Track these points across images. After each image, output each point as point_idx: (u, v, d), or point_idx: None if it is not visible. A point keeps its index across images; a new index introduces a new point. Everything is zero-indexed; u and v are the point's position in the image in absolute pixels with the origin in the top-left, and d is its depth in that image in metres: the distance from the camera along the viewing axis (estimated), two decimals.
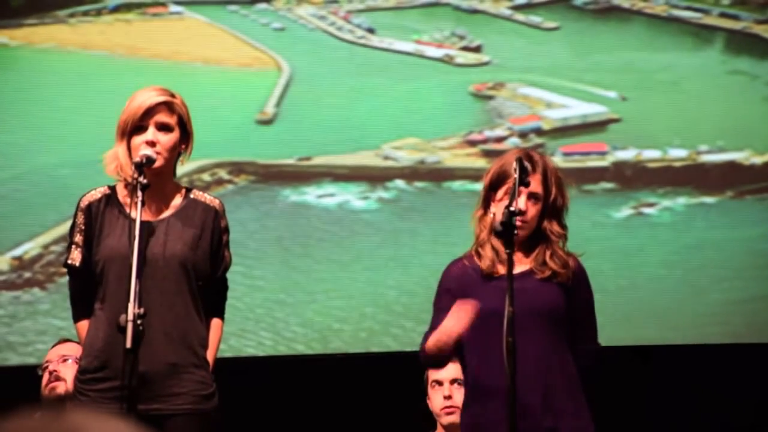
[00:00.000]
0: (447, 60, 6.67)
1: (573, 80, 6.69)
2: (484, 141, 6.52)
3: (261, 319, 6.39)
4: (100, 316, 3.87)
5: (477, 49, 6.68)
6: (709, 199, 6.58)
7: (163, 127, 3.87)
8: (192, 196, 3.96)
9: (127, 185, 3.92)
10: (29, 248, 6.29)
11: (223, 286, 4.10)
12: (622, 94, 6.69)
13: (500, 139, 6.52)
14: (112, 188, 3.94)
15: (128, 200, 3.83)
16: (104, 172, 3.90)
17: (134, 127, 3.83)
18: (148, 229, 3.84)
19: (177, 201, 3.93)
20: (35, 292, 6.34)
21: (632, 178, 6.64)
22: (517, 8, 6.67)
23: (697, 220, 6.63)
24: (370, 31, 6.67)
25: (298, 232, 6.51)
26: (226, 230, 4.07)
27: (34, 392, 5.45)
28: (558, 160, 6.31)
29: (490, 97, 6.67)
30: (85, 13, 6.60)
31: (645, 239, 6.58)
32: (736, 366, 6.08)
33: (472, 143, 6.52)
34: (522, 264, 4.34)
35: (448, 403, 4.86)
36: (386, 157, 6.53)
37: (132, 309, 3.62)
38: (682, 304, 6.48)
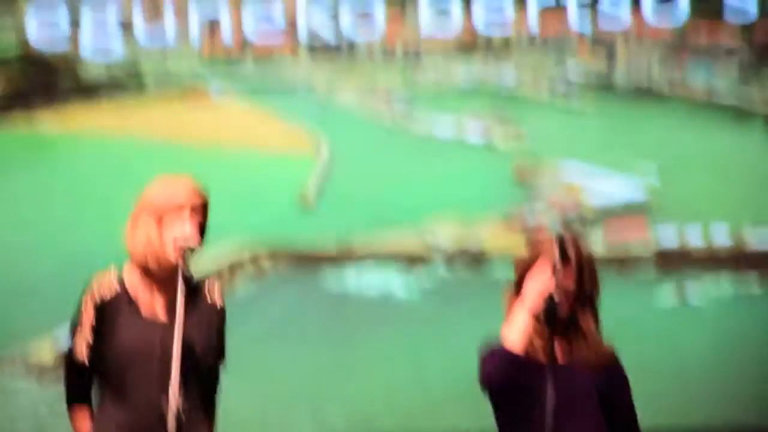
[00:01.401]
0: (487, 143, 6.56)
1: (610, 164, 6.54)
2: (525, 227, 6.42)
3: (302, 409, 6.24)
4: (113, 414, 3.82)
5: (517, 133, 6.56)
6: (755, 285, 6.47)
7: (198, 225, 3.84)
8: (200, 293, 3.93)
9: (145, 273, 3.87)
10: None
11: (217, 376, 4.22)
12: (662, 175, 6.52)
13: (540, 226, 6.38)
14: (121, 281, 3.86)
15: (139, 293, 3.80)
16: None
17: (171, 216, 3.84)
18: (164, 328, 3.81)
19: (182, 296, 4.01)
20: None
21: (674, 260, 6.47)
22: (556, 92, 6.57)
23: (742, 307, 6.46)
24: (410, 114, 6.58)
25: (341, 320, 6.40)
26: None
27: None
28: (599, 244, 6.28)
29: (529, 181, 6.51)
30: (126, 98, 6.51)
31: (690, 325, 6.39)
32: None
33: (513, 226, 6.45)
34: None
35: None
36: (427, 239, 6.39)
37: (175, 400, 3.62)
38: (725, 389, 6.29)
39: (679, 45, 6.65)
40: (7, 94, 6.68)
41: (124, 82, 6.63)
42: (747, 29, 6.62)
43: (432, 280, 6.45)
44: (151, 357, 3.83)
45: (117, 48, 6.69)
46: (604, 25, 6.59)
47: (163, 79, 6.64)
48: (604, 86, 6.69)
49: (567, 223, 6.40)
